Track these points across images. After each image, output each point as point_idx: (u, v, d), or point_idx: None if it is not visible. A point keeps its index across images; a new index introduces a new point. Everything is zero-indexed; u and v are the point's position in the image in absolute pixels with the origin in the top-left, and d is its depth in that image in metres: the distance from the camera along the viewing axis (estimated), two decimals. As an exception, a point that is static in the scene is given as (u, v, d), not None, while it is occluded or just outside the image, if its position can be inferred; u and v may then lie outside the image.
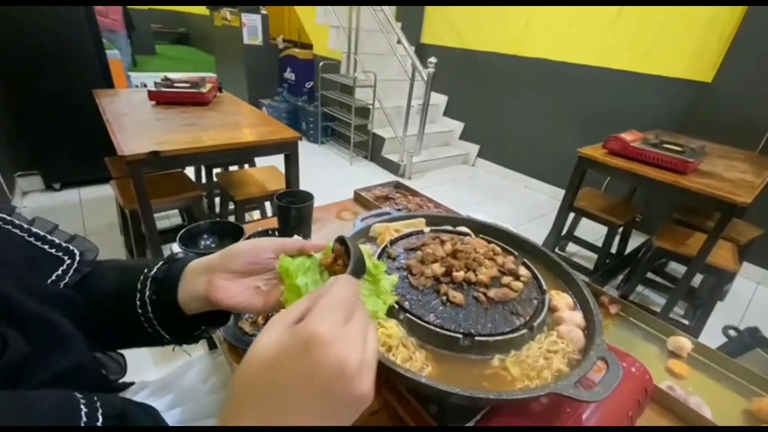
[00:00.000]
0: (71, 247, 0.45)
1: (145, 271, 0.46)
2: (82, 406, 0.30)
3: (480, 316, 0.50)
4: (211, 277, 0.43)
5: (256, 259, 0.43)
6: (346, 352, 0.26)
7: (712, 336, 1.64)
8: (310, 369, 0.25)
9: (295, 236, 0.78)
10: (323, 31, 4.08)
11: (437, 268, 0.55)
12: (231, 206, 1.99)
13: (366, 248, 0.45)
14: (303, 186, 0.99)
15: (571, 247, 2.58)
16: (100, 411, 0.30)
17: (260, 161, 2.22)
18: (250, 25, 4.24)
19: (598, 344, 0.48)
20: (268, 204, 2.04)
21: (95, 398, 0.31)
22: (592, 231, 2.44)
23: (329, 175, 3.46)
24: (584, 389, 0.42)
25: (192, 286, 0.44)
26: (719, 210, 1.48)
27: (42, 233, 0.44)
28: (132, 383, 0.65)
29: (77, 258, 0.45)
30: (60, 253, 0.44)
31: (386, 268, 0.46)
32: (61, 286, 0.42)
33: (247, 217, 2.22)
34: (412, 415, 0.50)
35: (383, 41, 3.65)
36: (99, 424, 0.30)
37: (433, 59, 3.12)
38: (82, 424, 0.29)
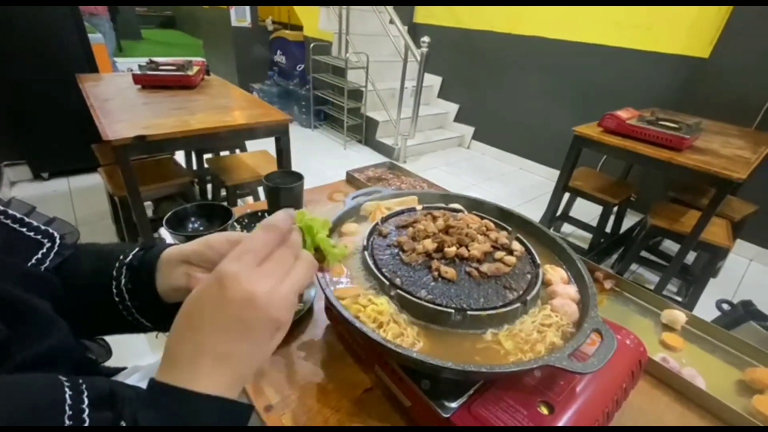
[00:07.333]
0: (50, 230, 0.43)
1: (121, 257, 0.45)
2: (66, 389, 0.29)
3: (472, 290, 0.50)
4: (190, 269, 0.42)
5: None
6: (254, 287, 0.30)
7: (704, 312, 1.65)
8: (224, 301, 0.30)
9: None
10: (313, 11, 3.96)
11: (429, 244, 0.54)
12: (223, 192, 1.96)
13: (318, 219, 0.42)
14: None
15: (566, 228, 2.58)
16: (86, 393, 0.29)
17: (251, 146, 2.18)
18: (238, 6, 4.11)
19: (592, 317, 0.47)
20: (260, 189, 2.01)
21: (80, 381, 0.30)
22: (587, 211, 2.43)
23: (323, 160, 3.42)
24: (578, 362, 0.42)
25: (172, 276, 0.43)
26: (714, 186, 1.47)
27: (19, 216, 0.42)
28: (124, 368, 0.64)
29: (57, 241, 0.43)
30: (39, 236, 0.42)
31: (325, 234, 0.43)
32: (42, 270, 0.41)
33: (240, 203, 2.20)
34: (405, 392, 0.49)
35: (375, 21, 3.56)
36: (84, 406, 0.29)
37: (426, 39, 3.04)
38: (67, 407, 0.28)
